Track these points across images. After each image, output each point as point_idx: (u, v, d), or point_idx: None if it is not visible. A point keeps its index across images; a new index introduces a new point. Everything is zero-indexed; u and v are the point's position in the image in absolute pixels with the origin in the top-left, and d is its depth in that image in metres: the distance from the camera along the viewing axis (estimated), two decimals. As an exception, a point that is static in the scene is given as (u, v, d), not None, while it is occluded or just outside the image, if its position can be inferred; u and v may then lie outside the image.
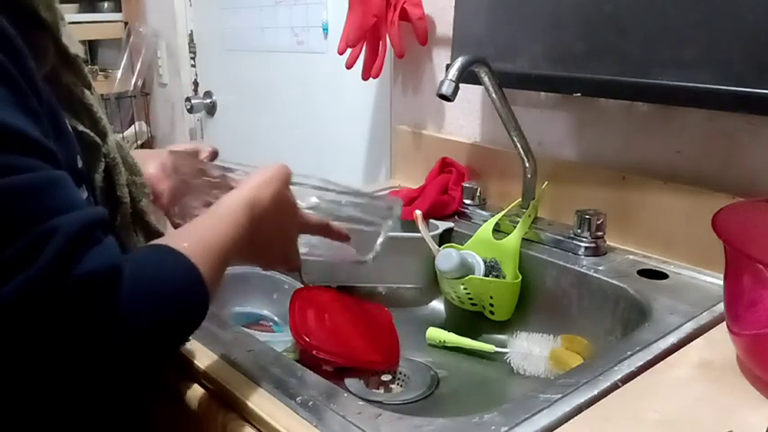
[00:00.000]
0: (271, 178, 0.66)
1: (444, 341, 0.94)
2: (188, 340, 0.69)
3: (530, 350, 0.87)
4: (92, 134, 0.58)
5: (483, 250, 0.97)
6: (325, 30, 1.52)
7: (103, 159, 0.60)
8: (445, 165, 1.19)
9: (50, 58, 0.54)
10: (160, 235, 0.66)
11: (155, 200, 0.79)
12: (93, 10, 2.29)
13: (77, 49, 0.58)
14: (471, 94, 1.18)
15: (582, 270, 0.90)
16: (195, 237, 0.56)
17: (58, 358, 0.42)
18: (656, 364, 0.66)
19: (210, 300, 0.53)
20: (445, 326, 0.97)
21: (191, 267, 0.51)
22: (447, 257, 0.92)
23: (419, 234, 0.99)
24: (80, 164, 0.54)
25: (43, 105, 0.48)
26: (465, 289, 0.94)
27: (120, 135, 2.10)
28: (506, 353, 0.88)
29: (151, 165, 0.78)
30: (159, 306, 0.48)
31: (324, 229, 0.74)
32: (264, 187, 0.64)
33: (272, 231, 0.66)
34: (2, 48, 0.44)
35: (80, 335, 0.42)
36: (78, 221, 0.43)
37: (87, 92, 0.58)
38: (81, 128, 0.57)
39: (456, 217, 1.12)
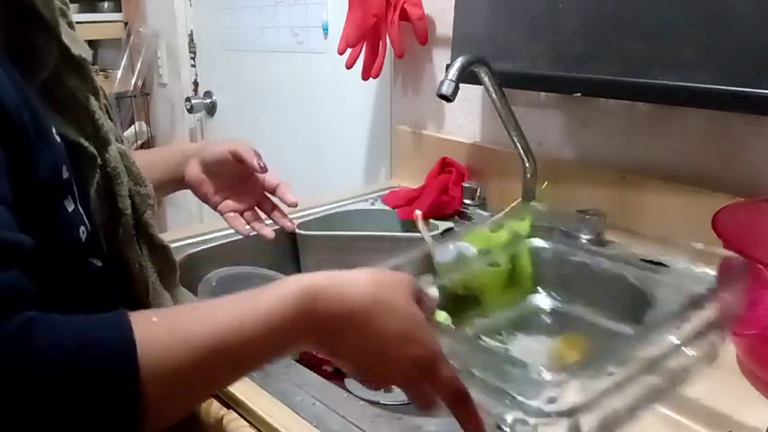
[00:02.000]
0: (397, 275, 0.48)
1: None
2: None
3: (529, 349, 0.87)
4: (86, 144, 0.54)
5: (480, 244, 0.97)
6: (325, 30, 1.52)
7: (99, 170, 0.56)
8: (445, 165, 1.19)
9: (52, 59, 0.52)
10: (165, 248, 0.63)
11: (204, 200, 0.80)
12: (93, 10, 2.29)
13: (84, 52, 0.54)
14: (471, 94, 1.18)
15: (584, 260, 0.90)
16: (176, 317, 0.41)
17: None
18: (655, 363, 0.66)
19: (151, 409, 0.37)
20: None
21: (125, 342, 0.37)
22: (444, 250, 0.92)
23: (419, 234, 0.99)
24: (65, 174, 0.50)
25: (12, 121, 0.44)
26: (459, 276, 0.94)
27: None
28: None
29: (193, 164, 0.79)
30: (62, 360, 0.35)
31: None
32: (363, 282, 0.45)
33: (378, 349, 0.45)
34: None
35: None
36: None
37: (92, 98, 0.56)
38: (73, 137, 0.53)
39: (456, 217, 1.12)
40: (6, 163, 0.42)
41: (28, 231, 0.42)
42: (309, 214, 1.13)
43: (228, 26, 1.85)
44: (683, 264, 0.79)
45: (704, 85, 0.81)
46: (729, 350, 0.66)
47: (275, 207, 0.84)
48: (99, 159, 0.56)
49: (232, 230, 0.83)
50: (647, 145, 0.95)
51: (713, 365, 0.64)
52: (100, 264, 0.54)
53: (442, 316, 0.93)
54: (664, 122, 0.93)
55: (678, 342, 0.56)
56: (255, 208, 0.83)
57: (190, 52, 2.02)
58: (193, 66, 2.03)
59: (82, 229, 0.51)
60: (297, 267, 1.08)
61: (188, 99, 1.98)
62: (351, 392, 0.76)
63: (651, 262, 0.87)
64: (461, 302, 0.98)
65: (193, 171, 0.79)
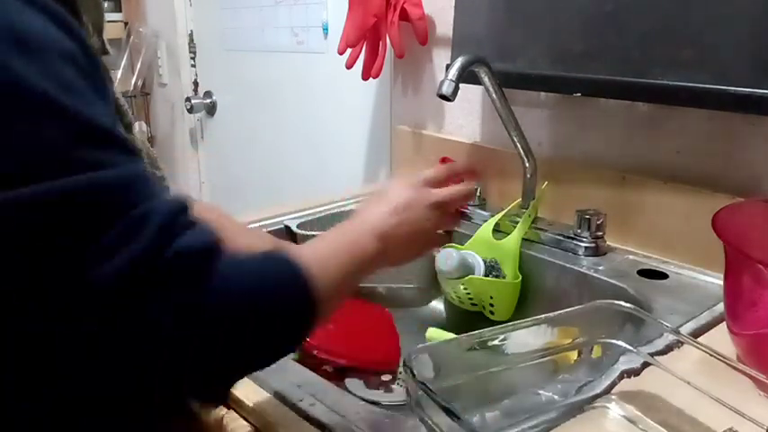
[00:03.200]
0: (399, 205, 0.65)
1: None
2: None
3: (526, 341, 0.86)
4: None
5: (483, 250, 0.97)
6: (325, 30, 1.52)
7: None
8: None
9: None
10: None
11: None
12: (94, 10, 2.29)
13: (107, 45, 0.58)
14: (471, 94, 1.18)
15: (582, 270, 0.90)
16: (313, 246, 0.55)
17: (143, 344, 0.41)
18: (656, 363, 0.66)
19: (318, 316, 0.49)
20: (445, 326, 0.97)
21: (298, 276, 0.48)
22: (447, 257, 0.92)
23: (419, 234, 0.99)
24: None
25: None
26: (465, 289, 0.94)
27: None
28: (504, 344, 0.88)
29: None
30: (254, 295, 0.45)
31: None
32: (394, 222, 0.63)
33: (406, 247, 0.65)
34: (76, 39, 0.43)
35: (175, 310, 0.41)
36: (167, 206, 0.43)
37: (111, 84, 0.58)
38: None
39: (456, 217, 1.12)
40: None
41: None
42: (309, 214, 1.13)
43: (228, 26, 1.85)
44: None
45: (704, 85, 0.81)
46: (729, 350, 0.66)
47: None
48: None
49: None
50: (647, 145, 0.95)
51: (713, 365, 0.64)
52: None
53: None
54: (664, 122, 0.93)
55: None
56: None
57: (190, 52, 2.02)
58: (193, 66, 2.03)
59: None
60: (297, 267, 1.08)
61: (188, 99, 1.98)
62: (351, 392, 0.77)
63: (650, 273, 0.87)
64: (468, 318, 0.98)
65: None
